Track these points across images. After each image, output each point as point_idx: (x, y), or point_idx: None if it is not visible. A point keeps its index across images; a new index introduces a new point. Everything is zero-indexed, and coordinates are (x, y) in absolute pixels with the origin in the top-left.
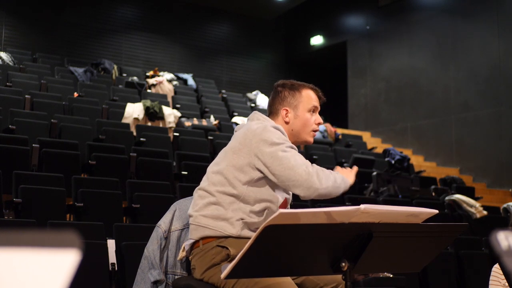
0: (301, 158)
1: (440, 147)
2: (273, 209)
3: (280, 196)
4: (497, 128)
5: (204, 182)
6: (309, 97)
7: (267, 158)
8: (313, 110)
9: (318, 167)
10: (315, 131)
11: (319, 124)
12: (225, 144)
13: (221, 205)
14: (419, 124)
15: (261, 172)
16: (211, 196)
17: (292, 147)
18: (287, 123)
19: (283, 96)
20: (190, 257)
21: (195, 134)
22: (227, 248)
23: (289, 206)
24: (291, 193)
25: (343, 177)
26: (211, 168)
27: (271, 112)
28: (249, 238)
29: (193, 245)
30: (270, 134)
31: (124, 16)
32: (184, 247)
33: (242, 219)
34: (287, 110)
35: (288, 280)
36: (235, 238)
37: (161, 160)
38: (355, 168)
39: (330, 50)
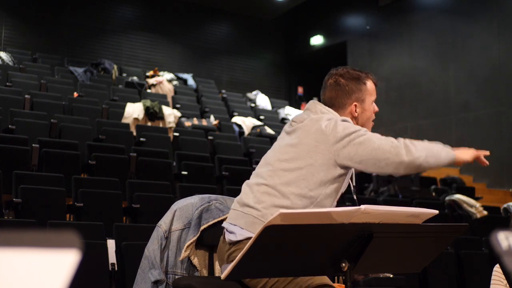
0: (381, 136)
1: None
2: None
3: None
4: (497, 128)
5: (272, 179)
6: (372, 89)
7: (350, 148)
8: (374, 100)
9: (407, 140)
10: (373, 120)
11: (376, 112)
12: (225, 144)
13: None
14: (419, 124)
15: (344, 166)
16: (283, 198)
17: (366, 130)
18: (355, 117)
19: (350, 90)
20: (232, 249)
21: (195, 134)
22: None
23: None
24: None
25: (448, 149)
26: (281, 164)
27: (333, 105)
28: None
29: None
30: (343, 125)
31: (124, 16)
32: (191, 245)
33: None
34: (356, 105)
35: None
36: None
37: (161, 160)
38: (481, 152)
39: (330, 50)
